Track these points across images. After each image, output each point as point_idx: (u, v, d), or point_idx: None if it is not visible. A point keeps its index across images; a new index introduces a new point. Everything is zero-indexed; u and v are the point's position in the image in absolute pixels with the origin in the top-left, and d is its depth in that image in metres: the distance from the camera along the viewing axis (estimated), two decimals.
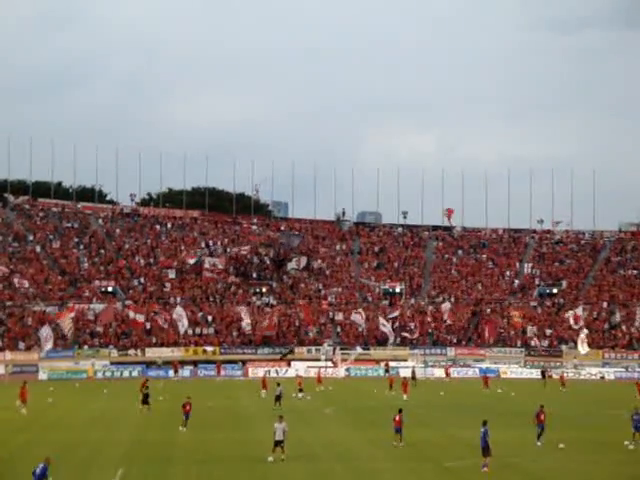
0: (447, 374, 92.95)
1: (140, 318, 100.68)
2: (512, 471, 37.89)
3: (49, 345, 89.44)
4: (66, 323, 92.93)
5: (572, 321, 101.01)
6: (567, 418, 54.81)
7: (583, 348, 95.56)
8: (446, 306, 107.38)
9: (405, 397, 66.55)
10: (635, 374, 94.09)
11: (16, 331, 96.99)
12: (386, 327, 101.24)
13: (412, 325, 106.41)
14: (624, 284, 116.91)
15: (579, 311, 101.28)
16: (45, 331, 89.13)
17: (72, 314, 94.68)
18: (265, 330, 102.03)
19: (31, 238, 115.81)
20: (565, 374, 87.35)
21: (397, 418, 44.25)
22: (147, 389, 60.00)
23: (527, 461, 40.11)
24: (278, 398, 60.56)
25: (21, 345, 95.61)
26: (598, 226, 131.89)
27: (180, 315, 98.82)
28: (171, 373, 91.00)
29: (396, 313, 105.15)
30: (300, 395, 68.97)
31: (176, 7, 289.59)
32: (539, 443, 44.40)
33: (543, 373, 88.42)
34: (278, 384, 62.98)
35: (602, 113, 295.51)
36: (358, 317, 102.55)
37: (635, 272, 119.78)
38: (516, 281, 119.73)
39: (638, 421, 44.52)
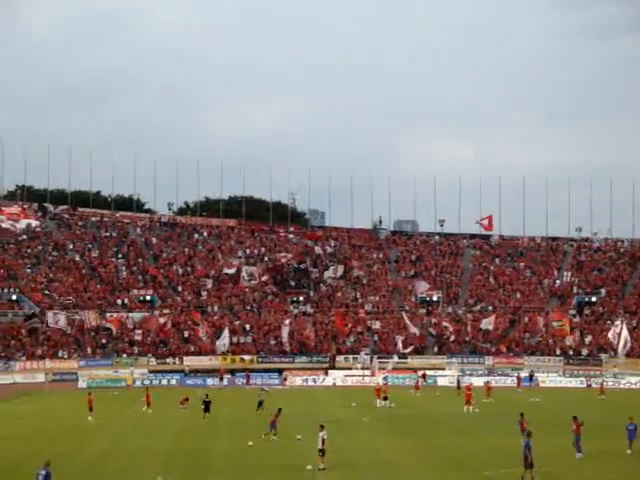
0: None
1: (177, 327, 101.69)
2: None
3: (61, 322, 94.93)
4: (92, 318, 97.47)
5: (611, 336, 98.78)
6: (604, 427, 54.29)
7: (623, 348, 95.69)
8: (490, 317, 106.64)
9: (467, 409, 65.01)
10: None
11: (56, 339, 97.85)
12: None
13: (448, 333, 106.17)
14: None
15: (617, 327, 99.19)
16: (55, 318, 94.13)
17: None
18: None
19: (70, 247, 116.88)
20: (605, 383, 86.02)
21: (575, 426, 43.36)
22: (207, 397, 60.85)
23: (564, 471, 39.83)
24: (260, 404, 62.23)
25: (61, 353, 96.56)
26: (637, 234, 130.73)
27: (223, 339, 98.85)
28: (209, 381, 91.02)
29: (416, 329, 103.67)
30: (384, 403, 68.86)
31: (211, 20, 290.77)
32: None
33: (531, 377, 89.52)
34: (262, 389, 67.23)
35: None
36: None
37: None
38: (557, 284, 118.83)
39: (633, 431, 44.34)
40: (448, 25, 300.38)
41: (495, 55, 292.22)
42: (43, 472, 30.80)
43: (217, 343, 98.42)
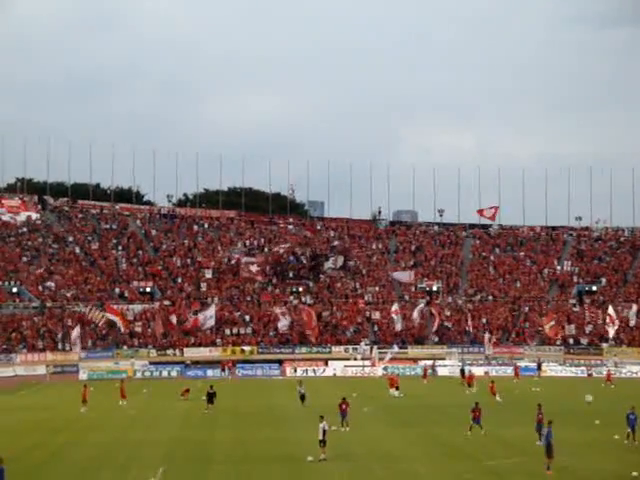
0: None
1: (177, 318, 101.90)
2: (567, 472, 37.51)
3: (77, 347, 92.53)
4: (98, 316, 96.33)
5: (608, 320, 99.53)
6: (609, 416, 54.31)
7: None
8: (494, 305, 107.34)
9: (498, 398, 64.29)
10: None
11: (57, 332, 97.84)
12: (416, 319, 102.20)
13: (449, 324, 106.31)
14: None
15: (611, 311, 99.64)
16: (76, 332, 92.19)
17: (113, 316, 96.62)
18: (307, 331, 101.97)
19: (70, 239, 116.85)
20: (612, 372, 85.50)
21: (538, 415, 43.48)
22: (212, 389, 60.48)
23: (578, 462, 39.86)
24: (303, 397, 61.99)
25: (61, 345, 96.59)
26: (637, 223, 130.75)
27: (206, 316, 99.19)
28: (210, 372, 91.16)
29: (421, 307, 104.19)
30: (396, 393, 69.22)
31: (211, 11, 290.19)
32: (469, 433, 46.30)
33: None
34: (300, 382, 65.19)
35: None
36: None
37: None
38: (557, 273, 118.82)
39: (634, 420, 43.85)
40: (447, 15, 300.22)
41: (494, 45, 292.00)
42: None
43: (200, 318, 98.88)
